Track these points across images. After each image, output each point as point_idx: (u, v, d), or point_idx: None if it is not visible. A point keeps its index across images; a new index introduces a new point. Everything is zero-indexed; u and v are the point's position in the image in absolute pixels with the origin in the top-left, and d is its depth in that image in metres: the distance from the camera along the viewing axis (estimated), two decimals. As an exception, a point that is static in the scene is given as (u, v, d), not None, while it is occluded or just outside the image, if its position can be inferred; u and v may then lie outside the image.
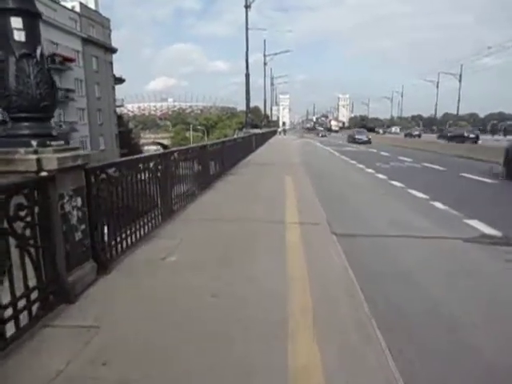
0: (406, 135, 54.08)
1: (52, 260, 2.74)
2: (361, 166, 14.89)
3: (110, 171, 3.72)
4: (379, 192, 8.98)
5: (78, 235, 3.03)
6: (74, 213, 2.97)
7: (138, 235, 4.27)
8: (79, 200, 3.04)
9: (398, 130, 72.09)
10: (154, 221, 4.85)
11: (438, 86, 59.91)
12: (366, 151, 24.71)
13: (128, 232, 4.07)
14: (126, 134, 50.16)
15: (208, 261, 3.71)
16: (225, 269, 3.48)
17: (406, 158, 17.84)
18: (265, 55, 33.51)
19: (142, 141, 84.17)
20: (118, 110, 54.00)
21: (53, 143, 2.81)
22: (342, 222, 5.79)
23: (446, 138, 34.17)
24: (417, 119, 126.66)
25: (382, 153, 22.06)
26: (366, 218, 6.45)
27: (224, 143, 10.64)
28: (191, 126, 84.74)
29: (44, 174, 2.66)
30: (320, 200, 7.06)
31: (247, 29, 18.14)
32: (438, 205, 7.41)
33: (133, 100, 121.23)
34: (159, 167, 5.19)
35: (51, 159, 2.67)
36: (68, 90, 34.26)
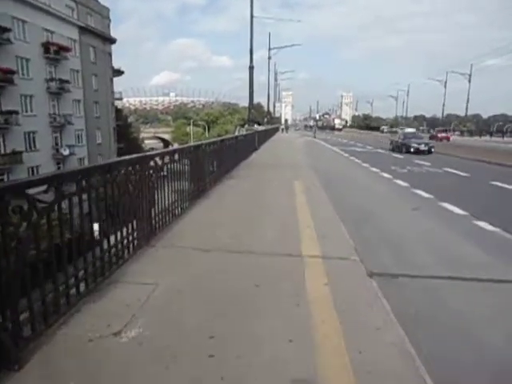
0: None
1: None
2: (375, 169, 13.49)
3: (37, 192, 2.33)
4: (406, 206, 7.56)
5: None
6: None
7: (88, 282, 2.88)
8: None
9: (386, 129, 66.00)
10: (121, 253, 3.46)
11: (445, 86, 58.27)
12: (375, 152, 23.30)
13: (72, 281, 2.69)
14: (124, 127, 48.62)
15: (192, 341, 2.31)
16: (217, 364, 2.08)
17: (422, 161, 16.42)
18: (269, 48, 31.97)
19: (143, 135, 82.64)
20: (119, 103, 52.32)
21: None
22: (376, 254, 4.41)
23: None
24: (420, 119, 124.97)
25: (394, 154, 20.67)
26: (403, 246, 5.05)
27: (223, 142, 9.22)
28: (192, 120, 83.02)
29: None
30: (339, 216, 5.70)
31: (252, 16, 16.63)
32: (486, 226, 6.02)
33: (135, 94, 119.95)
34: (132, 177, 3.79)
35: None
36: (63, 81, 32.63)
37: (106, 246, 3.28)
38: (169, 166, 5.06)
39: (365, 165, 14.95)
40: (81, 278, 2.79)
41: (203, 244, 4.14)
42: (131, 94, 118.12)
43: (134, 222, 3.85)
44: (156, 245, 4.09)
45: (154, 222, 4.33)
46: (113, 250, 3.33)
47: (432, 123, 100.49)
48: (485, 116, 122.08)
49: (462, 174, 12.54)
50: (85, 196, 2.88)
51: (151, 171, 4.29)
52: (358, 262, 3.83)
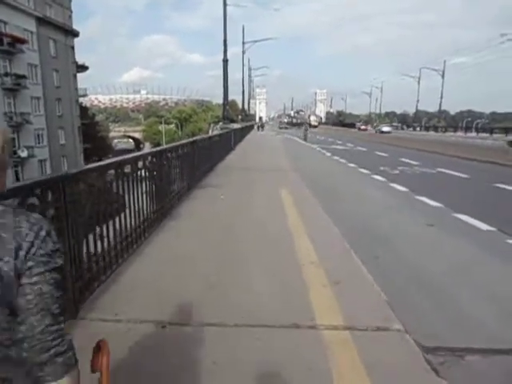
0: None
1: None
2: (364, 171, 12.32)
3: None
4: (418, 219, 6.31)
5: None
6: None
7: None
8: None
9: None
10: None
11: (419, 82, 58.59)
12: (358, 150, 22.29)
13: None
14: (91, 126, 45.83)
15: None
16: None
17: (410, 160, 15.45)
18: (243, 42, 30.40)
19: (112, 134, 79.16)
20: (87, 101, 48.98)
21: None
22: (416, 309, 3.08)
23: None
24: (391, 116, 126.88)
25: (377, 152, 19.69)
26: (445, 289, 3.69)
27: (195, 144, 7.72)
28: (163, 119, 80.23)
29: None
30: (346, 239, 4.42)
31: (225, 4, 15.11)
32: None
33: (104, 91, 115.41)
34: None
35: None
36: (19, 76, 29.89)
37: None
38: (115, 183, 3.55)
39: (351, 165, 13.81)
40: None
41: (161, 310, 2.67)
42: (100, 91, 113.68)
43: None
44: (87, 317, 2.59)
45: (87, 274, 2.83)
46: None
47: (403, 119, 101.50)
48: (452, 112, 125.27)
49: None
50: None
51: (79, 197, 2.79)
52: (402, 333, 2.49)
